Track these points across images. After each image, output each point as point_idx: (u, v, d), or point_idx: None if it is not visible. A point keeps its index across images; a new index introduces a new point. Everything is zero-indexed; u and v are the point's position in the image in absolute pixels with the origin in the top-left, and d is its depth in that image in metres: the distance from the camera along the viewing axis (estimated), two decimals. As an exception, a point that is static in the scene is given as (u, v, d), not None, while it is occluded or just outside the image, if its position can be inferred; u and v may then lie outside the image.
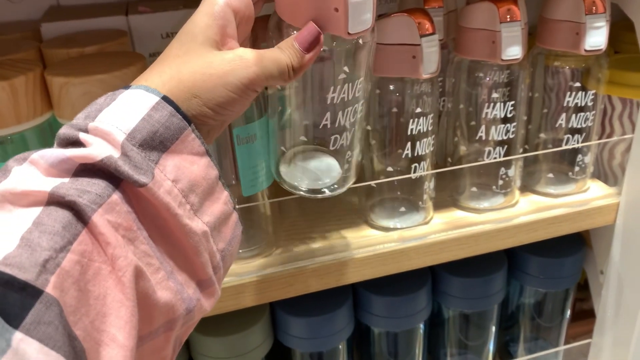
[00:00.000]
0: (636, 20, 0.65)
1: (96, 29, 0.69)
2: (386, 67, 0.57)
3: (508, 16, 0.59)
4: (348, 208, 0.71)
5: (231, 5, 0.40)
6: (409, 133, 0.61)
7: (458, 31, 0.64)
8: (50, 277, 0.28)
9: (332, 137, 0.50)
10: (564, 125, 0.69)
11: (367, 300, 0.73)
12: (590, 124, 0.69)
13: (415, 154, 0.62)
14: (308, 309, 0.70)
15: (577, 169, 0.71)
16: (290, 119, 0.51)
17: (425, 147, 0.62)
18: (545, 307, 0.84)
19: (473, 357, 0.84)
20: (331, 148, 0.50)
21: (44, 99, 0.55)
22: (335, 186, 0.52)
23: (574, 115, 0.68)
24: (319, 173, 0.51)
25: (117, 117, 0.34)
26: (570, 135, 0.69)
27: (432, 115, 0.61)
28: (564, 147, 0.70)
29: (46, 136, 0.57)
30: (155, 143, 0.35)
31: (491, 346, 0.84)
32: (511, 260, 0.80)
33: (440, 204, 0.70)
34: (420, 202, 0.67)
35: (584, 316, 0.90)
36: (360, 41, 0.47)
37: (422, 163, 0.63)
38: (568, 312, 0.85)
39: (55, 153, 0.33)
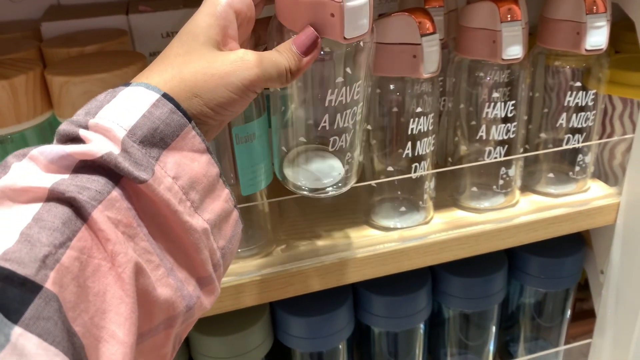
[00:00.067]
0: (637, 20, 0.65)
1: (96, 28, 0.69)
2: (387, 67, 0.57)
3: (509, 16, 0.59)
4: (348, 208, 0.71)
5: (233, 6, 0.40)
6: (409, 133, 0.61)
7: (459, 31, 0.64)
8: (50, 272, 0.28)
9: (332, 139, 0.50)
10: (564, 125, 0.69)
11: (367, 300, 0.73)
12: (590, 124, 0.69)
13: (416, 154, 0.62)
14: (308, 309, 0.70)
15: (577, 168, 0.71)
16: (290, 118, 0.51)
17: (425, 146, 0.62)
18: (546, 307, 0.84)
19: (473, 357, 0.84)
20: (330, 149, 0.50)
21: (44, 98, 0.55)
22: (340, 184, 0.52)
23: (574, 115, 0.68)
24: (322, 173, 0.51)
25: (117, 114, 0.34)
26: (570, 135, 0.69)
27: (432, 114, 0.61)
28: (564, 147, 0.69)
29: (46, 135, 0.57)
30: (156, 140, 0.35)
31: (491, 346, 0.84)
32: (511, 260, 0.80)
33: (440, 204, 0.70)
34: (420, 202, 0.67)
35: (584, 316, 0.90)
36: (361, 44, 0.47)
37: (422, 163, 0.63)
38: (568, 312, 0.85)
39: (55, 149, 0.33)
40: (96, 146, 0.33)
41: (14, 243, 0.28)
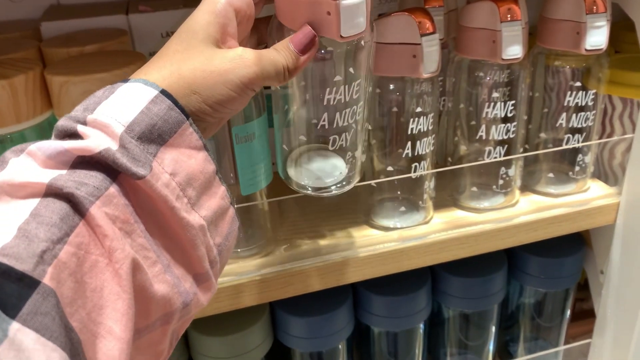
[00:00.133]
0: (637, 20, 0.65)
1: (96, 27, 0.69)
2: (386, 67, 0.57)
3: (509, 15, 0.59)
4: (348, 207, 0.71)
5: (233, 4, 0.40)
6: (409, 132, 0.61)
7: (458, 30, 0.64)
8: (48, 268, 0.28)
9: (331, 138, 0.50)
10: (564, 125, 0.69)
11: (367, 300, 0.73)
12: (590, 124, 0.69)
13: (416, 154, 0.62)
14: (308, 309, 0.70)
15: (577, 168, 0.71)
16: (291, 118, 0.51)
17: (425, 146, 0.62)
18: (545, 307, 0.84)
19: (473, 357, 0.84)
20: (330, 148, 0.50)
21: (44, 98, 0.55)
22: (343, 183, 0.52)
23: (574, 115, 0.68)
24: (324, 172, 0.51)
25: (115, 110, 0.34)
26: (570, 135, 0.69)
27: (432, 114, 0.61)
28: (564, 147, 0.69)
29: (46, 135, 0.57)
30: (154, 136, 0.35)
31: (491, 346, 0.84)
32: (511, 260, 0.80)
33: (440, 204, 0.70)
34: (420, 202, 0.66)
35: (584, 316, 0.90)
36: (362, 43, 0.47)
37: (422, 162, 0.63)
38: (568, 312, 0.85)
39: (53, 145, 0.33)
40: (94, 142, 0.33)
41: (12, 238, 0.28)
